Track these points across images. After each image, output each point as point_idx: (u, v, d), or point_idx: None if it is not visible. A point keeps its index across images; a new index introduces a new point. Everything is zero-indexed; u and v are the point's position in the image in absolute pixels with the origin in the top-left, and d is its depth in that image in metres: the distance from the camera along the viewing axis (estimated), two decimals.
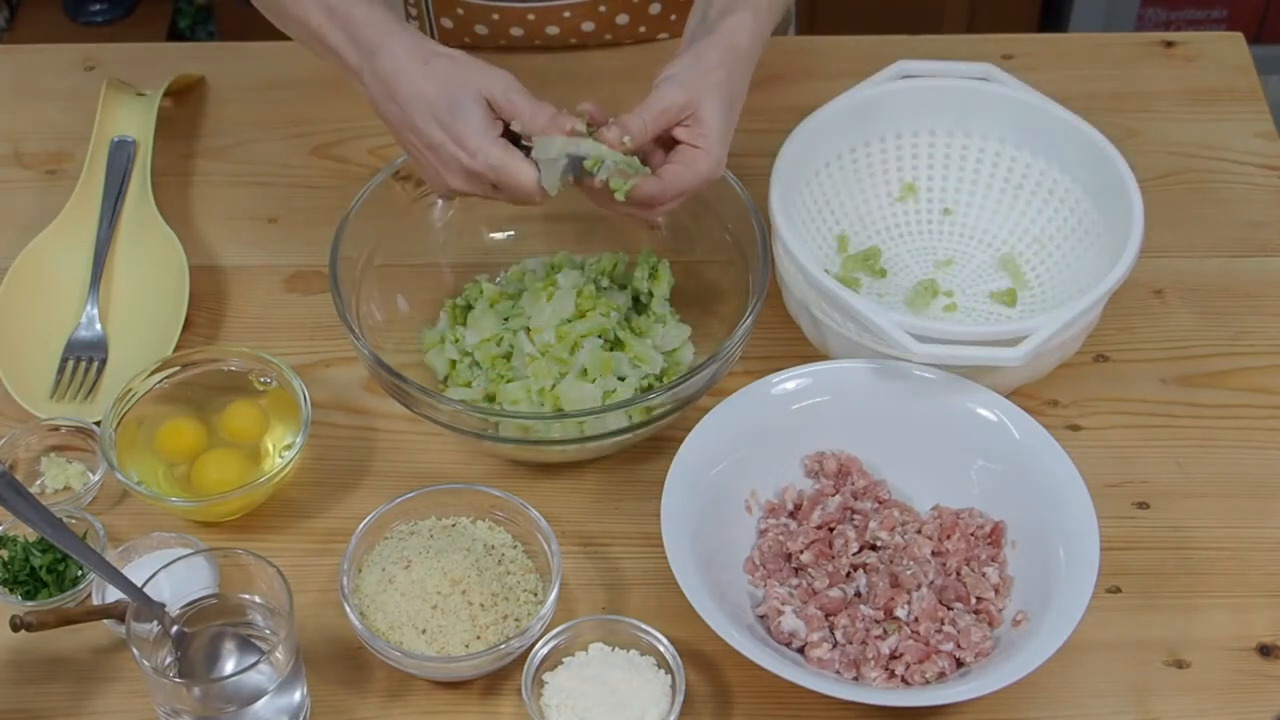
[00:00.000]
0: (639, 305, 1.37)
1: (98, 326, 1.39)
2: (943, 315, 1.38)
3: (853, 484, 1.25)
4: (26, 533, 1.22)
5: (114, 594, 1.18)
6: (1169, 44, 1.62)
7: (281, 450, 1.29)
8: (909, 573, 1.19)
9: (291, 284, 1.43)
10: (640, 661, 1.16)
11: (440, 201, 1.38)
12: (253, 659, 1.12)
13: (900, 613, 1.18)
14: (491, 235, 1.42)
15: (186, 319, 1.38)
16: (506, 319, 1.34)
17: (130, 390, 1.27)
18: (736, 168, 1.33)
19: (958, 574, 1.20)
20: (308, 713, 1.16)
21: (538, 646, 1.15)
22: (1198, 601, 1.22)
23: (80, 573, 1.22)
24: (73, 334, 1.38)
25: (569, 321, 1.31)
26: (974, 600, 1.19)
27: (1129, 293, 1.38)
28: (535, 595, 1.20)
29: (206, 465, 1.27)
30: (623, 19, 1.58)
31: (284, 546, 1.25)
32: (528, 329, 1.31)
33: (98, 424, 1.28)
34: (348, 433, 1.33)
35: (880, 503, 1.25)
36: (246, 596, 1.15)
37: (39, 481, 1.30)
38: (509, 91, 1.21)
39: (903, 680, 1.15)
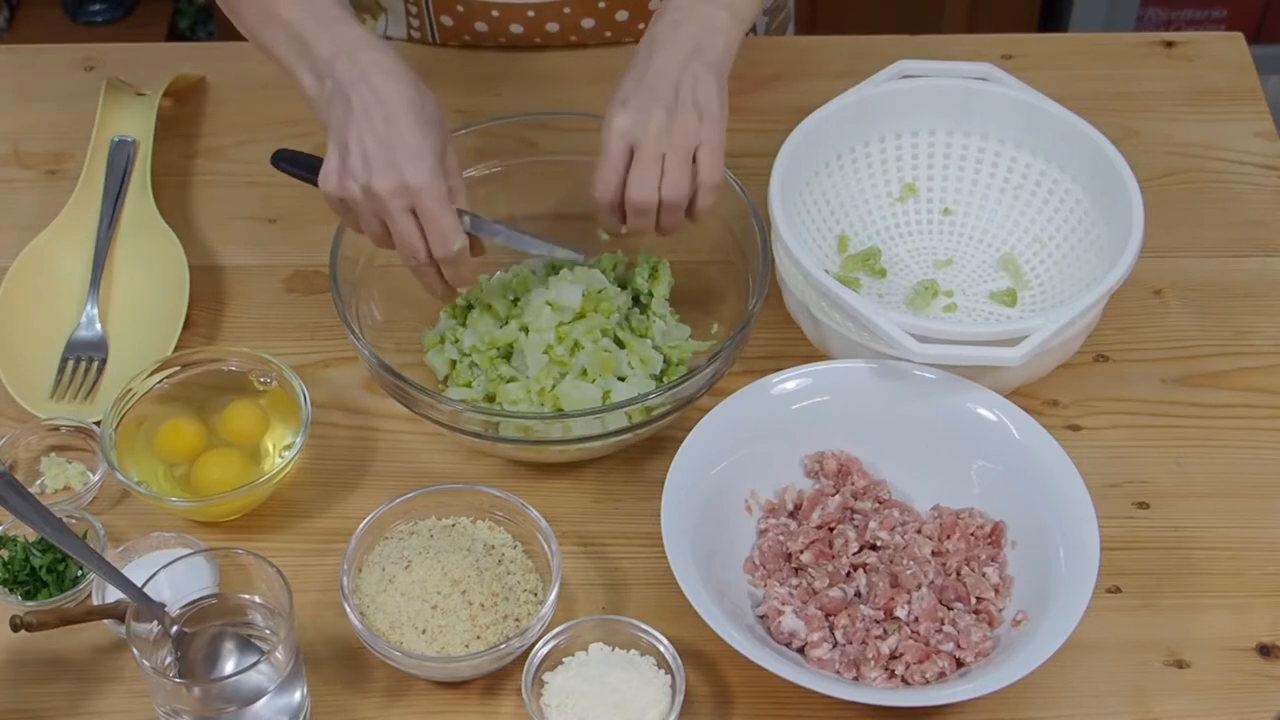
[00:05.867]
0: (639, 305, 1.37)
1: (98, 326, 1.39)
2: (942, 315, 1.38)
3: (853, 484, 1.25)
4: (26, 533, 1.22)
5: (114, 594, 1.18)
6: (1169, 44, 1.62)
7: (281, 450, 1.29)
8: (909, 573, 1.19)
9: (291, 284, 1.43)
10: (640, 661, 1.16)
11: None
12: (253, 659, 1.12)
13: (900, 613, 1.18)
14: None
15: (186, 319, 1.38)
16: (507, 319, 1.33)
17: (130, 390, 1.27)
18: (736, 168, 1.33)
19: (958, 574, 1.20)
20: (308, 713, 1.16)
21: (538, 646, 1.15)
22: (1198, 601, 1.22)
23: (80, 573, 1.22)
24: (73, 334, 1.38)
25: (569, 322, 1.31)
26: (974, 600, 1.19)
27: (1129, 293, 1.38)
28: (535, 595, 1.20)
29: (206, 465, 1.27)
30: (622, 15, 1.58)
31: (284, 546, 1.25)
32: (526, 329, 1.31)
33: (98, 424, 1.28)
34: (348, 433, 1.33)
35: (880, 503, 1.25)
36: (246, 596, 1.15)
37: (39, 481, 1.30)
38: (458, 165, 1.23)
39: (903, 680, 1.15)
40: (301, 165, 1.29)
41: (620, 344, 1.32)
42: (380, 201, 1.18)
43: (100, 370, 1.36)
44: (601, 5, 1.56)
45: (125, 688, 1.18)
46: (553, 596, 1.17)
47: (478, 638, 1.16)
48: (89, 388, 1.35)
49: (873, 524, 1.22)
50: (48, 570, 1.21)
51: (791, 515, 1.25)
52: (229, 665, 1.14)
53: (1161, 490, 1.29)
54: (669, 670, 1.15)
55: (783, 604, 1.18)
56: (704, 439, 1.23)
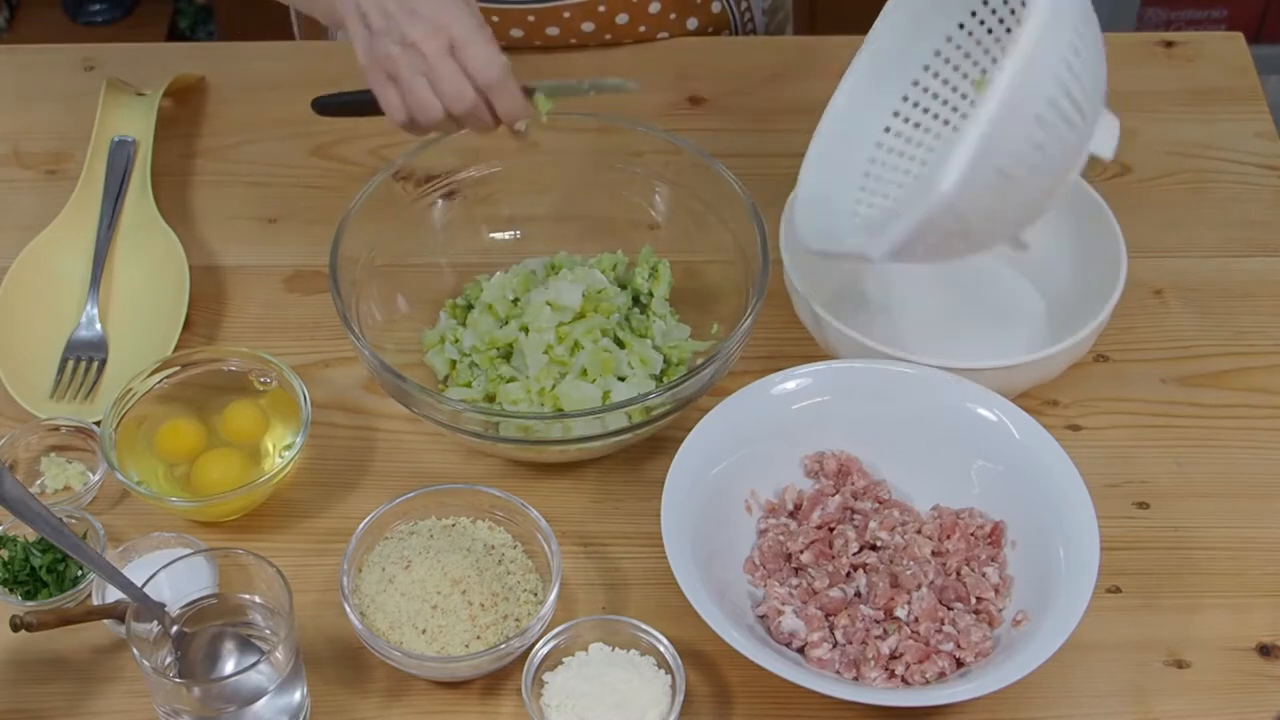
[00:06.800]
0: (639, 305, 1.37)
1: (98, 326, 1.39)
2: None
3: (853, 484, 1.25)
4: (26, 533, 1.22)
5: (114, 594, 1.18)
6: (1169, 44, 1.62)
7: (281, 450, 1.29)
8: (909, 573, 1.19)
9: (291, 284, 1.43)
10: (640, 661, 1.16)
11: (440, 202, 1.38)
12: (253, 659, 1.12)
13: (900, 613, 1.17)
14: (492, 235, 1.42)
15: (186, 319, 1.38)
16: (506, 319, 1.34)
17: (130, 390, 1.27)
18: (737, 167, 1.33)
19: (958, 574, 1.20)
20: (308, 713, 1.16)
21: (538, 646, 1.15)
22: (1198, 601, 1.22)
23: (80, 573, 1.22)
24: (73, 334, 1.38)
25: (569, 322, 1.31)
26: (974, 600, 1.19)
27: (1129, 293, 1.38)
28: (535, 595, 1.20)
29: (206, 465, 1.27)
30: (622, 19, 1.58)
31: (284, 546, 1.25)
32: (526, 329, 1.31)
33: (98, 424, 1.28)
34: (348, 433, 1.33)
35: (880, 503, 1.25)
36: (246, 596, 1.15)
37: (39, 481, 1.30)
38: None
39: (903, 680, 1.15)
40: (344, 103, 1.29)
41: (620, 344, 1.32)
42: (416, 50, 1.18)
43: (100, 370, 1.36)
44: (601, 9, 1.56)
45: (125, 688, 1.18)
46: (553, 596, 1.17)
47: (478, 638, 1.16)
48: (89, 388, 1.35)
49: (873, 524, 1.22)
50: (48, 570, 1.21)
51: (791, 515, 1.25)
52: (229, 665, 1.14)
53: (1161, 490, 1.29)
54: (669, 670, 1.15)
55: (783, 604, 1.18)
56: (704, 439, 1.23)
